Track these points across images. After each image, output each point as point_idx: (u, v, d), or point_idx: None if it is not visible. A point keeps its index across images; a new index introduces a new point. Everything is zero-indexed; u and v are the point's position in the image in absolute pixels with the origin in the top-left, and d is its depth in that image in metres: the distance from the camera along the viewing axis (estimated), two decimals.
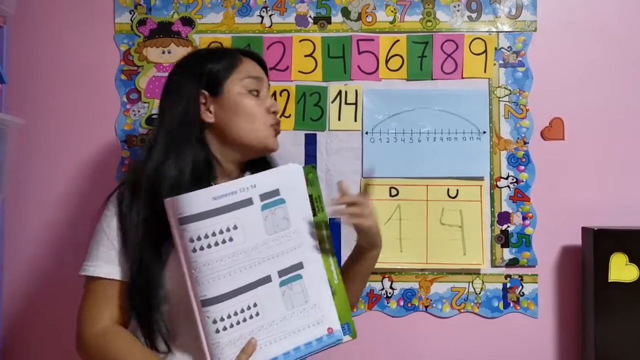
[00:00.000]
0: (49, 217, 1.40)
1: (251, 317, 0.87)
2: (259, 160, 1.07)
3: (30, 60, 1.41)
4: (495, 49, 1.39)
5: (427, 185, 1.38)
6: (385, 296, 1.38)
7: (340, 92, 1.39)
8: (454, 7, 1.39)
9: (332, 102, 1.39)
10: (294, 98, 1.39)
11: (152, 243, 0.90)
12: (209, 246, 0.83)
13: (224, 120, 0.98)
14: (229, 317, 0.85)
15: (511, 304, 1.37)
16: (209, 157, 0.99)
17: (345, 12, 1.40)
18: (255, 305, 0.87)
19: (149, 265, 0.89)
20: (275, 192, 0.90)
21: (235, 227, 0.85)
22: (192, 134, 0.97)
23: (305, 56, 1.40)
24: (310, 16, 1.40)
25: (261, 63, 1.08)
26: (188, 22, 1.40)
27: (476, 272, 1.38)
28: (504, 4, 1.39)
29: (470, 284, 1.38)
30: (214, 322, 0.84)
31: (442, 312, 1.38)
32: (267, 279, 0.89)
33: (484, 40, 1.39)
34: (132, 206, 0.93)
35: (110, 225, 0.94)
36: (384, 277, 1.38)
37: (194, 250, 0.83)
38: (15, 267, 1.39)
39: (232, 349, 0.85)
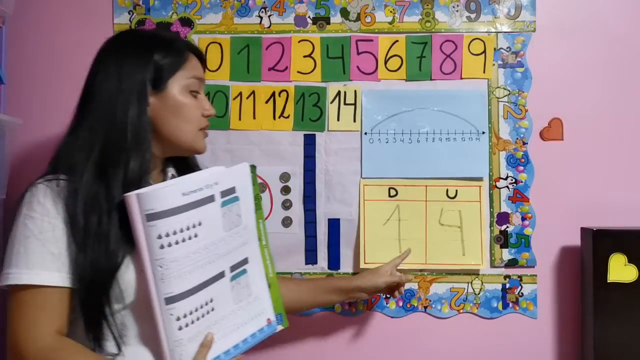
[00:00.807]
0: None
1: (208, 312, 0.88)
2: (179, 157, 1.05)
3: (29, 61, 1.41)
4: (494, 49, 1.39)
5: (426, 186, 1.37)
6: (384, 297, 1.38)
7: (339, 93, 1.39)
8: (453, 7, 1.39)
9: (331, 102, 1.39)
10: (292, 98, 1.39)
11: (106, 242, 0.85)
12: (177, 242, 0.83)
13: (159, 116, 0.94)
14: (190, 313, 0.85)
15: (510, 305, 1.37)
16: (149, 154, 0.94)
17: (344, 13, 1.40)
18: (211, 300, 0.89)
19: (104, 266, 0.84)
20: (232, 190, 0.92)
21: (199, 224, 0.86)
22: (147, 130, 0.92)
23: (304, 57, 1.39)
24: (309, 16, 1.40)
25: (204, 62, 1.05)
26: (187, 22, 1.40)
27: (475, 273, 1.38)
28: (503, 5, 1.39)
29: (470, 284, 1.38)
30: (177, 319, 0.84)
31: (441, 313, 1.38)
32: (221, 275, 0.91)
33: (483, 41, 1.39)
34: (76, 205, 0.85)
35: (41, 228, 0.85)
36: None
37: (162, 247, 0.82)
38: None
39: (193, 345, 0.86)
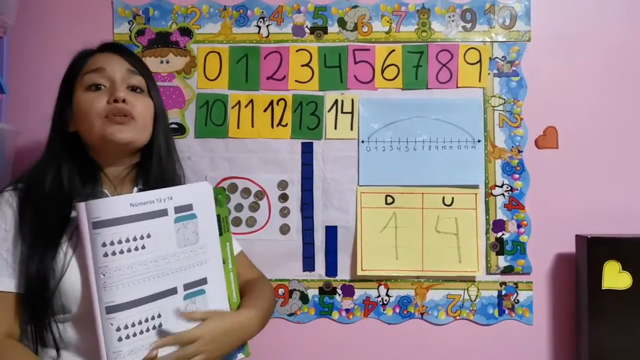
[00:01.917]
0: None
1: (154, 327, 0.86)
2: (147, 163, 1.02)
3: (30, 71, 1.42)
4: (490, 58, 1.40)
5: (422, 194, 1.39)
6: (381, 303, 1.39)
7: (336, 101, 1.41)
8: (449, 17, 1.41)
9: (329, 111, 1.41)
10: (290, 107, 1.40)
11: (53, 249, 0.88)
12: (122, 252, 0.83)
13: (77, 125, 0.96)
14: (133, 325, 0.84)
15: (506, 311, 1.38)
16: (87, 164, 0.96)
17: (342, 23, 1.42)
18: (159, 315, 0.87)
19: (48, 272, 0.86)
20: (189, 207, 0.92)
21: (148, 236, 0.86)
22: (62, 142, 0.96)
23: (302, 66, 1.41)
24: (306, 26, 1.42)
25: (125, 53, 1.01)
26: (186, 32, 1.42)
27: (471, 280, 1.39)
28: (498, 15, 1.41)
29: (466, 291, 1.39)
30: (118, 329, 0.83)
31: (437, 319, 1.39)
32: (173, 291, 0.89)
33: (478, 50, 1.41)
34: (27, 212, 0.89)
35: None
36: (379, 285, 1.39)
37: (106, 255, 0.82)
38: None
39: (133, 358, 0.84)
